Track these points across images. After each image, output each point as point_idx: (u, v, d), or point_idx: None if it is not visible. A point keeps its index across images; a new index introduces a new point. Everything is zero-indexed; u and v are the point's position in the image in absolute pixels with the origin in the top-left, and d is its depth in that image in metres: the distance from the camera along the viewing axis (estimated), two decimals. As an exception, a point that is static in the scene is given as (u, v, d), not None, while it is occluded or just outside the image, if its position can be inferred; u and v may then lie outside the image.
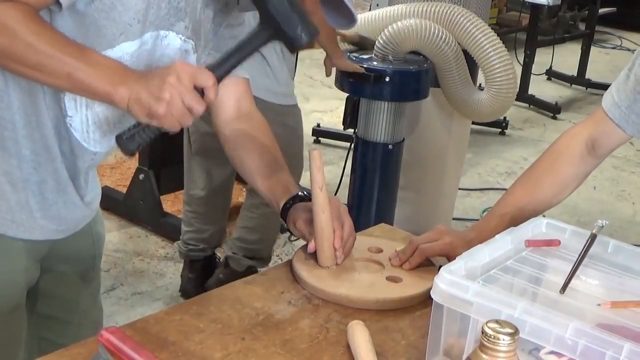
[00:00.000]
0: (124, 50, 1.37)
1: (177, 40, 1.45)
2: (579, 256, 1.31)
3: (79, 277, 1.68)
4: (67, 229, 1.56)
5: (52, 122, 1.43)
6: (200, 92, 1.28)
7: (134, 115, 1.29)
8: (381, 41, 3.00)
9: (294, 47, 1.37)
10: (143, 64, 1.40)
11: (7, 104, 1.39)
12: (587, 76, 6.73)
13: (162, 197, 3.69)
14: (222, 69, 1.34)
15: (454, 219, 3.74)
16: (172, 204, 3.90)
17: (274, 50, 2.77)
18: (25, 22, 1.24)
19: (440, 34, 2.99)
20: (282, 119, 2.82)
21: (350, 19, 1.44)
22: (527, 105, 6.12)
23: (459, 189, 3.79)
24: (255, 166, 1.60)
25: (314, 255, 1.53)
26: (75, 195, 1.53)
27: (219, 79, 1.32)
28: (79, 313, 1.71)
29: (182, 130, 1.32)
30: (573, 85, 6.79)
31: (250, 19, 1.58)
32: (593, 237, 1.34)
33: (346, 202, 3.22)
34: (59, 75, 1.27)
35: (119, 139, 1.33)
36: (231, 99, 1.60)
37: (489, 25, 3.14)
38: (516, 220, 1.44)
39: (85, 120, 1.45)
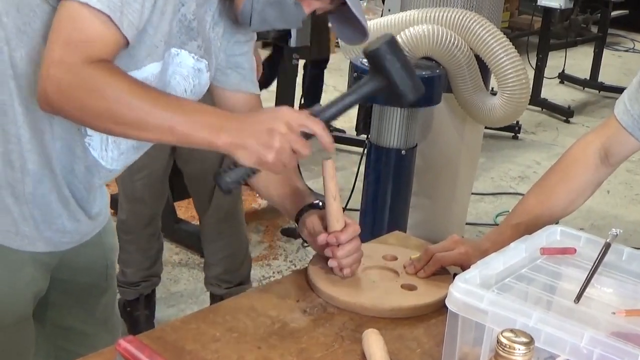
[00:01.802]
0: (150, 71, 1.38)
1: (190, 59, 1.45)
2: (594, 265, 1.31)
3: (92, 287, 1.69)
4: (72, 240, 1.56)
5: (61, 141, 1.42)
6: (305, 135, 1.30)
7: (240, 161, 1.30)
8: (394, 47, 3.01)
9: (401, 103, 1.40)
10: (157, 84, 1.41)
11: (12, 118, 1.38)
12: (599, 79, 6.71)
13: (176, 204, 3.69)
14: (328, 114, 1.36)
15: (467, 223, 3.74)
16: (186, 210, 3.90)
17: None
18: (115, 81, 1.25)
19: (452, 39, 2.98)
20: None
21: (363, 34, 1.44)
22: (539, 109, 6.12)
23: (472, 193, 3.79)
24: (269, 178, 1.59)
25: (327, 261, 1.52)
26: (77, 208, 1.52)
27: (326, 124, 1.34)
28: (95, 323, 1.71)
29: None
30: (586, 89, 6.77)
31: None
32: (607, 246, 1.34)
33: (359, 208, 3.23)
34: (159, 132, 1.28)
35: (219, 179, 1.35)
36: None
37: (500, 29, 3.14)
38: (531, 229, 1.44)
39: (105, 139, 1.45)
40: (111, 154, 1.47)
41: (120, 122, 1.27)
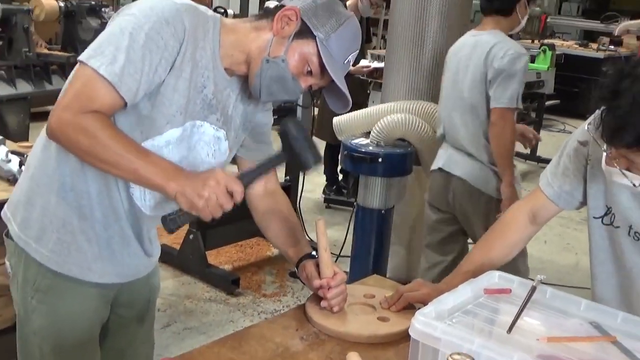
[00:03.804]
0: (171, 136, 1.38)
1: (211, 130, 1.45)
2: (523, 302, 1.31)
3: (137, 318, 1.67)
4: (130, 274, 1.56)
5: (120, 193, 1.44)
6: (230, 194, 1.30)
7: (179, 205, 1.30)
8: (375, 130, 3.03)
9: (305, 168, 1.41)
10: (185, 146, 1.41)
11: (84, 180, 1.41)
12: (538, 154, 6.72)
13: (207, 252, 3.67)
14: (248, 178, 1.37)
15: (434, 267, 3.71)
16: (215, 257, 3.88)
17: None
18: (103, 128, 1.27)
19: (420, 125, 3.03)
20: None
21: (346, 103, 1.47)
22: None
23: (438, 243, 3.77)
24: (279, 233, 1.61)
25: (320, 300, 1.52)
26: (138, 248, 1.53)
27: (246, 186, 1.34)
28: (134, 346, 1.70)
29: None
30: (527, 161, 6.77)
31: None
32: (533, 289, 1.33)
33: (349, 254, 3.23)
34: (128, 171, 1.29)
35: (163, 219, 1.35)
36: (261, 181, 1.58)
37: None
38: (476, 275, 1.43)
39: (142, 191, 1.45)
40: (149, 203, 1.47)
41: (99, 159, 1.28)
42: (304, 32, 1.38)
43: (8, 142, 2.59)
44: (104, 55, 1.28)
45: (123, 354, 1.68)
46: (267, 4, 1.58)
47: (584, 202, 1.54)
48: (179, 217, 1.34)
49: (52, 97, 1.35)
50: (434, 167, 2.91)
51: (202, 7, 1.42)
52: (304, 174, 3.29)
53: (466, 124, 2.75)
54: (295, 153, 1.37)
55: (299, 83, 1.41)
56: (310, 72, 1.41)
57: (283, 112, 3.85)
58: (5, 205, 1.55)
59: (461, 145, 2.78)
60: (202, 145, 1.45)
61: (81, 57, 1.30)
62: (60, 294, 1.48)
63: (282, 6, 1.41)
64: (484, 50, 2.66)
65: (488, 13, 2.77)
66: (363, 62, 4.71)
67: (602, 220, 1.50)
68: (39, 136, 1.47)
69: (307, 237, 1.68)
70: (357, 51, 1.45)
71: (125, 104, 1.31)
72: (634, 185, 1.27)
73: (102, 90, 1.28)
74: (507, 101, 2.59)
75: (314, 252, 1.58)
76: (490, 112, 2.65)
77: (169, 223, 1.35)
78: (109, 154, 1.27)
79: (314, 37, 1.38)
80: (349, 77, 1.48)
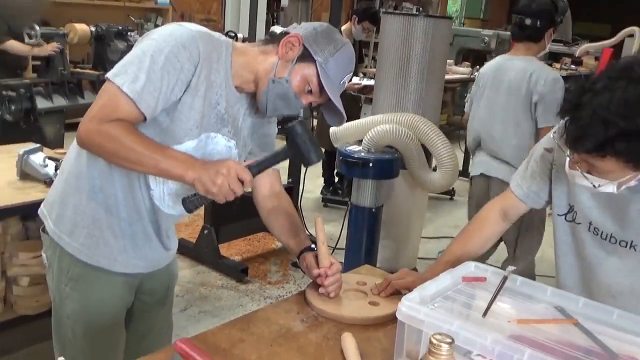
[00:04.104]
0: (188, 146, 1.39)
1: (223, 140, 1.45)
2: (496, 289, 1.31)
3: (158, 303, 1.67)
4: (151, 265, 1.56)
5: (142, 194, 1.44)
6: (241, 181, 1.30)
7: (196, 190, 1.30)
8: (366, 139, 3.04)
9: (308, 164, 1.41)
10: (200, 154, 1.41)
11: (111, 183, 1.41)
12: (509, 159, 6.70)
13: (220, 245, 3.67)
14: (256, 169, 1.36)
15: (419, 258, 3.71)
16: (227, 249, 3.88)
17: None
18: (126, 133, 1.27)
19: (406, 134, 3.03)
20: None
21: (341, 118, 1.47)
22: (467, 179, 6.02)
23: (422, 237, 3.76)
24: (282, 229, 1.61)
25: (318, 287, 1.52)
26: (157, 243, 1.53)
27: (254, 175, 1.34)
28: (155, 329, 1.69)
29: (231, 201, 1.33)
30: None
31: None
32: (505, 278, 1.34)
33: (344, 247, 3.22)
34: (150, 166, 1.29)
35: (183, 201, 1.36)
36: (267, 183, 1.61)
37: (439, 126, 3.18)
38: (455, 264, 1.43)
39: (162, 192, 1.45)
40: (168, 202, 1.47)
41: (124, 159, 1.28)
42: (306, 56, 1.39)
43: (45, 149, 2.59)
44: (127, 74, 1.28)
45: (146, 335, 1.68)
46: (272, 28, 1.58)
47: (549, 202, 1.54)
48: (197, 199, 1.35)
49: (85, 109, 1.34)
50: (474, 173, 3.01)
51: (217, 34, 1.43)
52: (305, 173, 3.27)
53: (508, 137, 2.82)
54: (299, 150, 1.37)
55: (300, 100, 1.41)
56: (310, 91, 1.41)
57: (284, 122, 3.85)
58: (42, 204, 1.55)
59: (497, 153, 2.87)
60: (215, 154, 1.45)
61: (108, 75, 1.30)
62: (90, 282, 1.48)
63: (287, 33, 1.42)
64: (525, 75, 2.74)
65: (520, 40, 2.83)
66: (355, 80, 4.71)
67: (565, 218, 1.50)
68: (72, 144, 1.47)
69: (307, 232, 1.66)
70: (352, 73, 1.46)
71: (145, 118, 1.31)
72: (594, 186, 1.27)
73: (125, 105, 1.28)
74: (553, 120, 2.63)
75: (313, 245, 1.57)
76: (539, 130, 2.72)
77: (188, 204, 1.36)
78: (132, 154, 1.27)
79: (314, 61, 1.38)
80: (343, 94, 1.48)
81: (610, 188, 1.26)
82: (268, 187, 1.62)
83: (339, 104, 1.41)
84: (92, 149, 1.32)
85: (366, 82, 4.68)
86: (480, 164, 2.97)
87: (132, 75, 1.28)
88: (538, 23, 2.76)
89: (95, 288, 1.49)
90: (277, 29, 1.50)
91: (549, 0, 2.78)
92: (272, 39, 1.43)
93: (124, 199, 1.43)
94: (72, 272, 1.48)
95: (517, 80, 2.75)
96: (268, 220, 1.63)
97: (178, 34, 1.32)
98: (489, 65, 2.98)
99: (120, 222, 1.45)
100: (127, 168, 1.34)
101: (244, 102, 1.48)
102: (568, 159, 1.28)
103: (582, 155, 1.23)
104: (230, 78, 1.42)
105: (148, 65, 1.28)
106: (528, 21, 2.77)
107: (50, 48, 4.05)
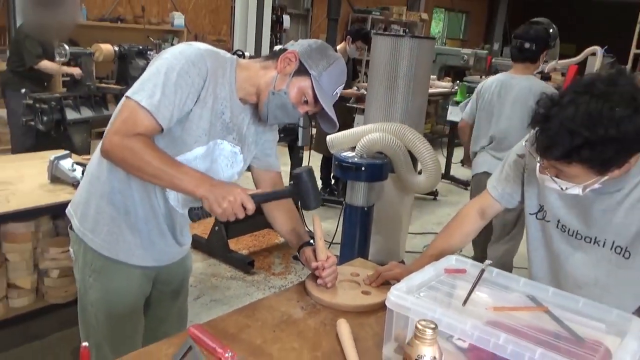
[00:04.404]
0: (197, 152, 1.37)
1: (229, 146, 1.44)
2: (475, 280, 1.30)
3: (173, 292, 1.66)
4: (166, 259, 1.55)
5: (157, 197, 1.43)
6: (244, 208, 1.30)
7: (203, 205, 1.29)
8: (359, 146, 3.02)
9: (305, 209, 1.41)
10: (209, 159, 1.40)
11: (128, 186, 1.40)
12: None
13: (229, 240, 3.66)
14: (259, 199, 1.36)
15: (406, 252, 3.69)
16: (235, 244, 3.86)
17: None
18: (145, 148, 1.26)
19: (394, 141, 3.02)
20: None
21: (334, 126, 1.46)
22: (449, 181, 6.06)
23: (409, 233, 3.76)
24: (284, 225, 1.59)
25: (317, 278, 1.51)
26: (172, 239, 1.52)
27: (257, 204, 1.34)
28: (171, 316, 1.68)
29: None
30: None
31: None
32: (482, 271, 1.33)
33: (339, 242, 3.21)
34: (165, 181, 1.28)
35: (189, 211, 1.36)
36: (269, 183, 1.60)
37: (424, 134, 3.16)
38: (438, 258, 1.42)
39: (177, 195, 1.45)
40: (181, 204, 1.46)
41: (143, 172, 1.27)
42: (302, 70, 1.38)
43: (73, 155, 2.59)
44: (145, 91, 1.27)
45: (163, 321, 1.67)
46: (275, 48, 1.57)
47: (522, 202, 1.53)
48: (202, 213, 1.36)
49: (109, 120, 1.34)
50: (478, 171, 3.08)
51: (222, 51, 1.42)
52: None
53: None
54: (301, 195, 1.38)
55: (297, 110, 1.41)
56: (306, 102, 1.40)
57: (287, 131, 3.85)
58: (69, 204, 1.54)
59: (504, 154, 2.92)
60: (222, 159, 1.45)
61: (128, 93, 1.29)
62: (111, 274, 1.47)
63: (285, 49, 1.41)
64: (531, 90, 2.84)
65: (520, 61, 2.96)
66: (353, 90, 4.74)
67: (536, 216, 1.48)
68: (95, 151, 1.46)
69: (306, 228, 1.66)
70: (344, 85, 1.45)
71: (162, 129, 1.30)
72: (562, 189, 1.26)
73: (144, 119, 1.27)
74: None
75: (311, 241, 1.56)
76: None
77: (194, 215, 1.36)
78: (150, 168, 1.26)
79: (309, 74, 1.38)
80: (338, 104, 1.46)
81: (576, 190, 1.25)
82: (271, 187, 1.60)
83: (332, 113, 1.40)
84: (114, 161, 1.31)
85: (363, 90, 4.69)
86: (483, 163, 3.07)
87: (149, 91, 1.27)
88: (534, 46, 2.89)
89: (115, 279, 1.47)
90: (278, 47, 1.48)
91: (543, 27, 2.94)
92: (272, 55, 1.43)
93: (140, 201, 1.43)
94: (95, 265, 1.46)
95: (524, 95, 2.88)
96: (271, 217, 1.62)
97: (188, 52, 1.31)
98: (491, 81, 3.08)
99: (137, 221, 1.44)
100: (144, 180, 1.32)
101: (248, 112, 1.47)
102: (538, 164, 1.27)
103: (551, 161, 1.22)
104: (234, 91, 1.41)
105: (162, 81, 1.27)
106: (527, 45, 2.90)
107: (76, 73, 4.15)
